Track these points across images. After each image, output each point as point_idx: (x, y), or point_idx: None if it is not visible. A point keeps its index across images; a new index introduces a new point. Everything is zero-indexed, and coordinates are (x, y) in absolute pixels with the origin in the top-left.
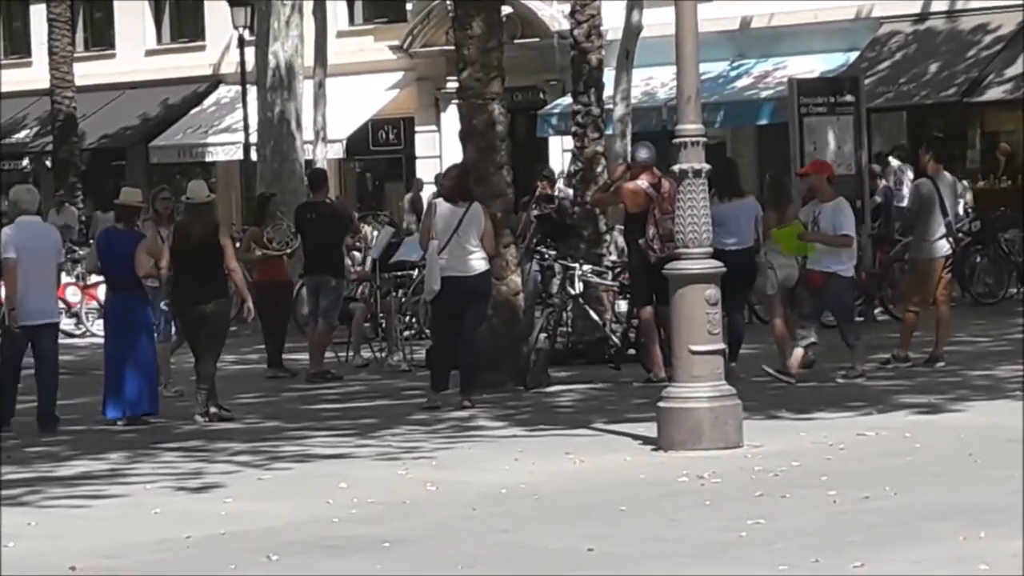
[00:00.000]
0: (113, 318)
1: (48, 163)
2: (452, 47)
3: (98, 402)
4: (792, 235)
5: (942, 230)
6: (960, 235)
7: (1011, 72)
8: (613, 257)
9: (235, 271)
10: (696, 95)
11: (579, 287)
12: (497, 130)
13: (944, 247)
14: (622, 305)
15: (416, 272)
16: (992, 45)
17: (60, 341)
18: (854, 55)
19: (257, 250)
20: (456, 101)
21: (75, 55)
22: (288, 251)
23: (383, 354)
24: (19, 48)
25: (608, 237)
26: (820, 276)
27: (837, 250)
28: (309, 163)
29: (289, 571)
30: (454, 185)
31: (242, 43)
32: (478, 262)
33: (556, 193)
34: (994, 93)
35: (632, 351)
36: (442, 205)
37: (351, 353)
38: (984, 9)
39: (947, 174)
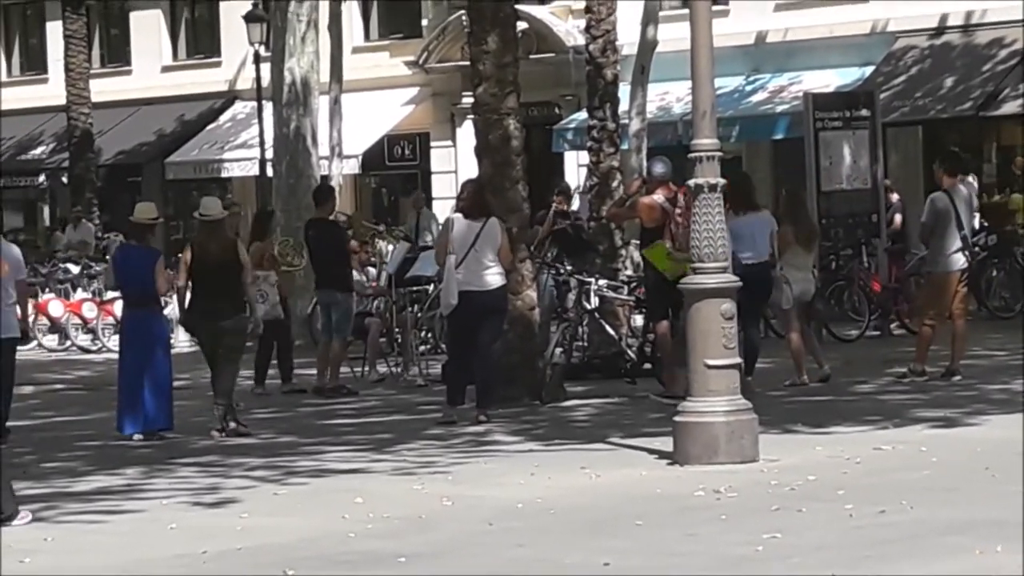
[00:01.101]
0: (129, 334)
1: (64, 179)
2: (467, 63)
3: (113, 418)
4: (662, 255)
5: (958, 244)
6: (976, 249)
7: None
8: (629, 271)
9: (250, 287)
10: (711, 110)
11: (595, 302)
12: (512, 145)
13: (960, 261)
14: (638, 319)
15: (432, 287)
16: (1008, 59)
17: (77, 357)
18: (869, 69)
19: (280, 265)
20: (472, 116)
21: (91, 71)
22: (300, 267)
23: (399, 369)
24: (35, 64)
25: (624, 251)
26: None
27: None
28: (325, 179)
29: None
30: (471, 200)
31: (258, 59)
32: (494, 277)
33: (572, 208)
34: (1010, 107)
35: (648, 365)
36: (459, 220)
37: (367, 368)
38: (1000, 23)
39: (962, 188)
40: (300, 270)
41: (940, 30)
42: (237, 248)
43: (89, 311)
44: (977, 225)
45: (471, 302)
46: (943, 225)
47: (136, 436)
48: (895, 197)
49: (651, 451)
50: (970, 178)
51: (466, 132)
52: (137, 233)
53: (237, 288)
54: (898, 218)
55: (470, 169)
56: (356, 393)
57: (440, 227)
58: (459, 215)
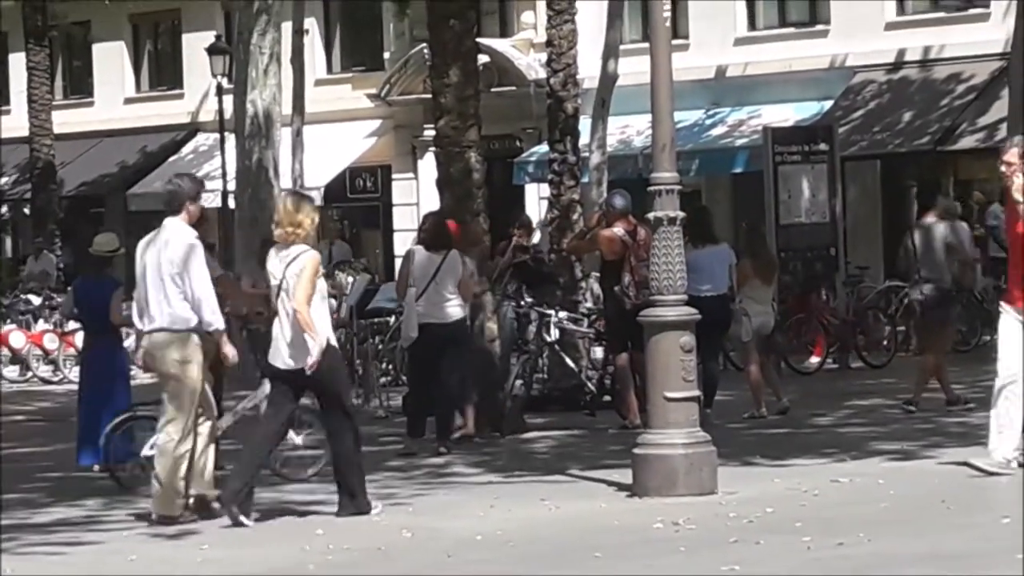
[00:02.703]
0: (88, 365)
1: (27, 210)
2: (429, 95)
3: (74, 449)
4: None
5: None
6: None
7: (984, 121)
8: (589, 304)
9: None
10: (671, 143)
11: (555, 334)
12: (474, 178)
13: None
14: (598, 352)
15: (392, 319)
16: (965, 94)
17: (38, 388)
18: (828, 104)
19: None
20: (433, 149)
21: (54, 103)
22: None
23: (360, 401)
24: None
25: (584, 284)
26: None
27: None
28: None
29: None
30: (432, 232)
31: (220, 91)
32: (455, 309)
33: (533, 242)
34: (967, 142)
35: (607, 398)
36: (420, 252)
37: None
38: (957, 59)
39: (940, 226)
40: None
41: (898, 65)
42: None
43: (50, 342)
44: None
45: (431, 334)
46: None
47: (95, 467)
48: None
49: (610, 483)
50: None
51: (428, 164)
52: (97, 264)
53: None
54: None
55: (432, 201)
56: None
57: (352, 262)
58: (420, 247)
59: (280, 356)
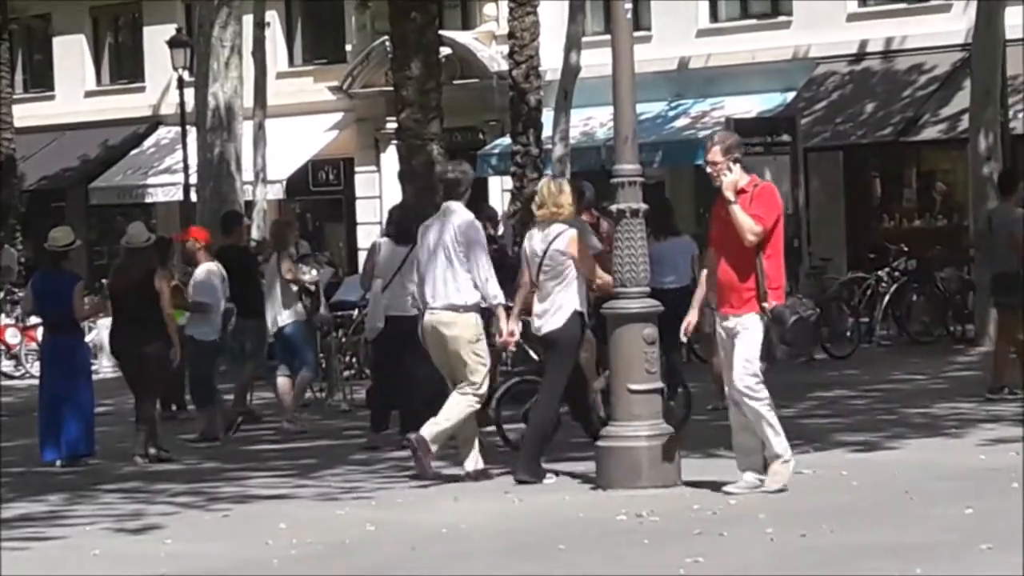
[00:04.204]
0: (49, 360)
1: None
2: (391, 88)
3: (36, 444)
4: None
5: None
6: (896, 274)
7: (947, 112)
8: None
9: (168, 315)
10: (633, 135)
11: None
12: (436, 170)
13: None
14: None
15: (356, 312)
16: (927, 85)
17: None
18: (791, 95)
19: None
20: (395, 142)
21: (14, 96)
22: None
23: (323, 394)
24: None
25: None
26: (187, 340)
27: (200, 315)
28: (249, 204)
29: None
30: (399, 225)
31: (181, 84)
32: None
33: (498, 233)
34: (930, 133)
35: None
36: (386, 245)
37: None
38: (919, 49)
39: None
40: None
41: (860, 56)
42: (153, 276)
43: (12, 337)
44: None
45: (396, 327)
46: None
47: (58, 462)
48: None
49: (574, 475)
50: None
51: (390, 157)
52: (54, 259)
53: (157, 315)
54: None
55: (394, 194)
56: (260, 419)
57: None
58: (386, 239)
59: (539, 323)
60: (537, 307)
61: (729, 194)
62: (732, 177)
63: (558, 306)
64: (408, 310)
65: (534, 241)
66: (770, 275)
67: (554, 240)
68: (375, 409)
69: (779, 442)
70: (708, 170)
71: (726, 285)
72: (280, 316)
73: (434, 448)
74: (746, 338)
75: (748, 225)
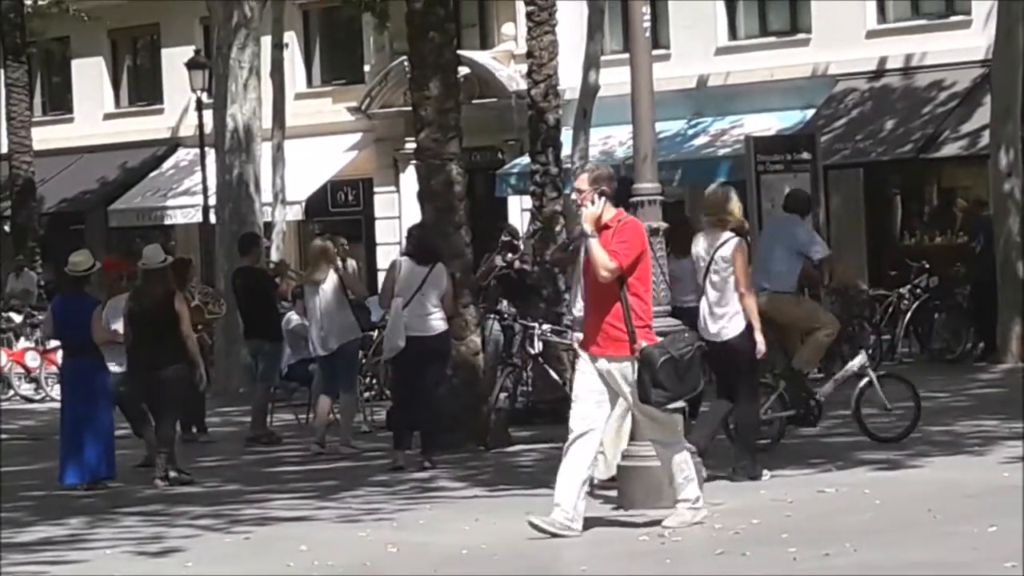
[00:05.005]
0: (69, 384)
1: (7, 228)
2: (410, 108)
3: (57, 467)
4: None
5: None
6: (918, 291)
7: (967, 128)
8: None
9: (189, 337)
10: (652, 154)
11: (539, 347)
12: (455, 190)
13: None
14: None
15: (376, 333)
16: (947, 102)
17: (20, 406)
18: (810, 112)
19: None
20: (414, 162)
21: (33, 119)
22: (220, 315)
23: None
24: None
25: (568, 296)
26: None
27: (118, 346)
28: (268, 225)
29: None
30: (419, 244)
31: (200, 106)
32: (438, 322)
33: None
34: (950, 149)
35: None
36: (406, 264)
37: (312, 415)
38: (939, 66)
39: None
40: (220, 318)
41: (880, 73)
42: (173, 298)
43: (32, 360)
44: None
45: (414, 346)
46: None
47: (79, 486)
48: None
49: (595, 496)
50: None
51: (409, 177)
52: (74, 284)
53: (176, 337)
54: None
55: (414, 214)
56: (280, 441)
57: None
58: (406, 258)
59: (706, 329)
60: (708, 313)
61: (587, 227)
62: (592, 210)
63: (734, 311)
64: (428, 330)
65: (699, 247)
66: (637, 314)
67: (720, 247)
68: (396, 429)
69: (690, 491)
70: (573, 197)
71: (591, 324)
72: (336, 335)
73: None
74: (623, 382)
75: (602, 261)
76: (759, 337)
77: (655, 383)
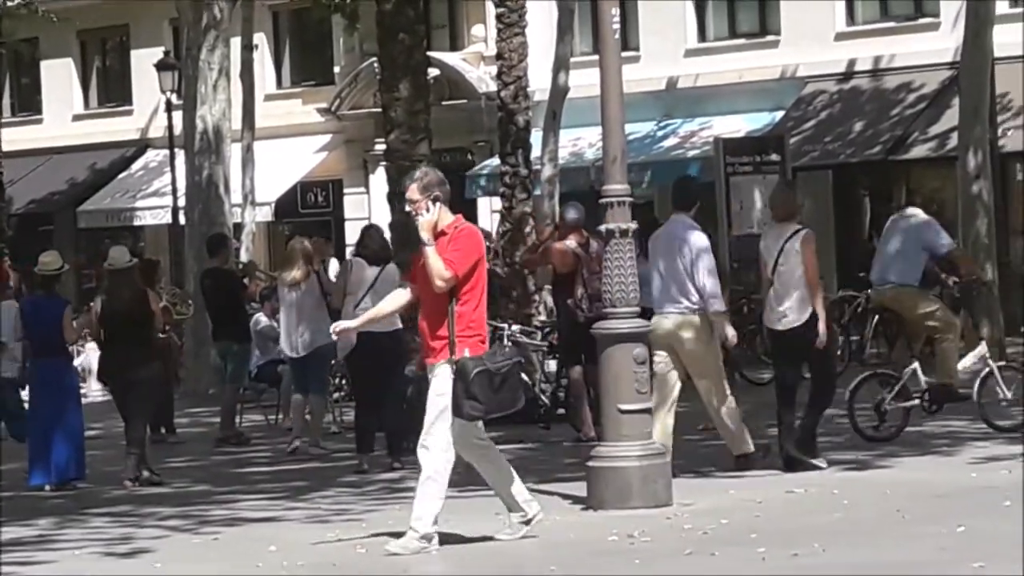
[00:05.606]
0: (39, 384)
1: None
2: (380, 109)
3: (25, 468)
4: None
5: None
6: None
7: (935, 130)
8: (542, 317)
9: (163, 336)
10: (622, 155)
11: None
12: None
13: None
14: (551, 365)
15: None
16: (916, 103)
17: None
18: (779, 114)
19: (173, 314)
20: (384, 163)
21: (2, 120)
22: (187, 316)
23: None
24: None
25: (537, 297)
26: None
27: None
28: (238, 226)
29: None
30: (370, 245)
31: (169, 107)
32: (393, 319)
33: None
34: (919, 151)
35: (562, 411)
36: (358, 264)
37: (280, 416)
38: (908, 68)
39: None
40: (188, 319)
41: (849, 75)
42: (146, 298)
43: None
44: None
45: (368, 344)
46: None
47: (47, 486)
48: None
49: (565, 496)
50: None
51: (379, 178)
52: (44, 283)
53: (146, 337)
54: None
55: (383, 216)
56: (249, 441)
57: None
58: (359, 259)
59: (771, 319)
60: (774, 304)
61: (424, 235)
62: (428, 218)
63: (800, 302)
64: (384, 327)
65: (769, 239)
66: (468, 324)
67: (790, 238)
68: (359, 431)
69: (425, 511)
70: (407, 208)
71: (423, 332)
72: (313, 335)
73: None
74: (431, 391)
75: (438, 270)
76: (822, 327)
77: (468, 395)
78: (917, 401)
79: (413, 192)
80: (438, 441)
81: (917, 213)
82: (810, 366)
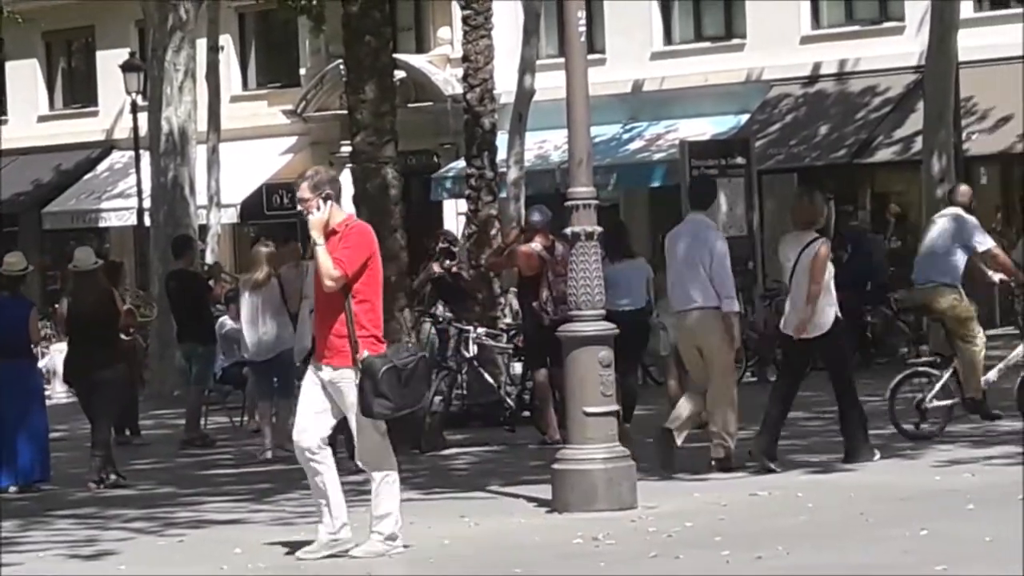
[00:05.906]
0: (2, 385)
1: None
2: (345, 111)
3: None
4: None
5: None
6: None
7: (900, 133)
8: (508, 320)
9: (127, 338)
10: (587, 158)
11: (473, 350)
12: (391, 194)
13: None
14: (517, 367)
15: None
16: (881, 107)
17: None
18: (745, 117)
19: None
20: (350, 165)
21: None
22: (151, 318)
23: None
24: None
25: (503, 300)
26: None
27: None
28: (203, 228)
29: None
30: None
31: (135, 108)
32: None
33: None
34: (884, 154)
35: (527, 413)
36: (313, 266)
37: (246, 418)
38: (873, 72)
39: None
40: (152, 321)
41: (814, 78)
42: (112, 299)
43: None
44: None
45: None
46: None
47: (11, 488)
48: None
49: (530, 499)
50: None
51: (345, 181)
52: (8, 284)
53: (111, 339)
54: None
55: None
56: (214, 443)
57: None
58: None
59: (790, 325)
60: (791, 311)
61: (315, 234)
62: (319, 216)
63: (820, 310)
64: None
65: (787, 247)
66: (362, 323)
67: (807, 247)
68: None
69: (385, 512)
70: (299, 207)
71: (318, 333)
72: (275, 339)
73: None
74: (345, 401)
75: (326, 269)
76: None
77: (377, 393)
78: (958, 399)
79: (304, 191)
80: (373, 446)
81: (957, 212)
82: (826, 368)
